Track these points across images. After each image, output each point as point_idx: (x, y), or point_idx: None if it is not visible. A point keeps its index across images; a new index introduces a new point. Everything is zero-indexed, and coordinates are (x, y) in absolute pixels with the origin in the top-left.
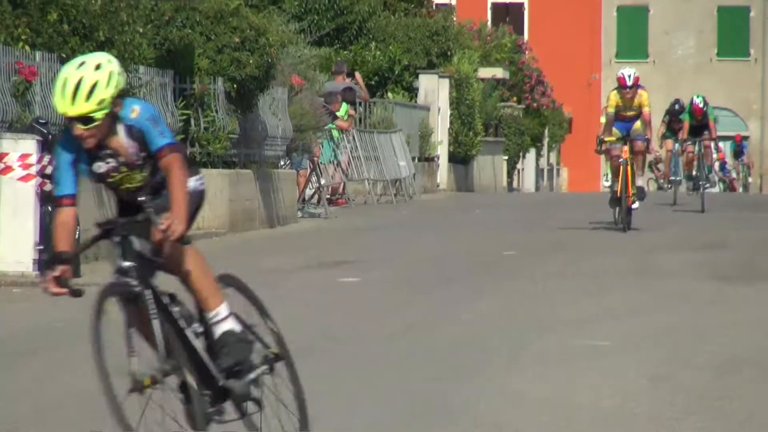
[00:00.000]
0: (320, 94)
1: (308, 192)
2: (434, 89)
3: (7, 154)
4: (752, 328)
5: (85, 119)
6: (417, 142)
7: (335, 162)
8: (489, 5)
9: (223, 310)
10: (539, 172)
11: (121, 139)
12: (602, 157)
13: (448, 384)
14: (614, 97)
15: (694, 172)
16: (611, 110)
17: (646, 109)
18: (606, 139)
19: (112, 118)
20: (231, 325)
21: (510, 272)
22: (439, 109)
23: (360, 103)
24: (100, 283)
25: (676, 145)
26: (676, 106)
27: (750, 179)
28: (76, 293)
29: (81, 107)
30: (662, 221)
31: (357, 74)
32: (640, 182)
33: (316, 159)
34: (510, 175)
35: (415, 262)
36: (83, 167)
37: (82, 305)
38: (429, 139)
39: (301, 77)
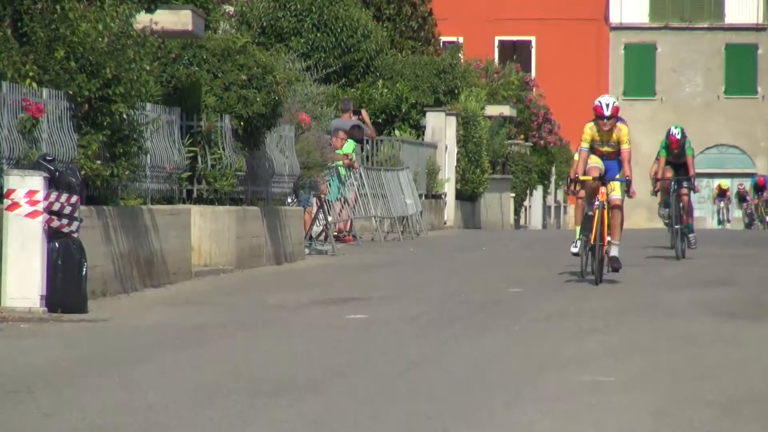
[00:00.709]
0: (327, 131)
1: (315, 229)
2: (441, 127)
3: (14, 190)
4: (757, 366)
5: None
6: (424, 179)
7: (342, 199)
8: (496, 43)
9: None
10: (546, 209)
11: None
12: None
13: (450, 421)
14: (589, 131)
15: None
16: (585, 145)
17: (625, 147)
18: (582, 178)
19: None
20: None
21: (515, 310)
22: (446, 147)
23: (367, 141)
24: (107, 318)
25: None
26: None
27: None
28: None
29: None
30: (666, 260)
31: (363, 112)
32: (614, 251)
33: (323, 196)
34: (517, 212)
35: (422, 299)
36: None
37: (89, 342)
38: (436, 177)
39: (309, 115)
